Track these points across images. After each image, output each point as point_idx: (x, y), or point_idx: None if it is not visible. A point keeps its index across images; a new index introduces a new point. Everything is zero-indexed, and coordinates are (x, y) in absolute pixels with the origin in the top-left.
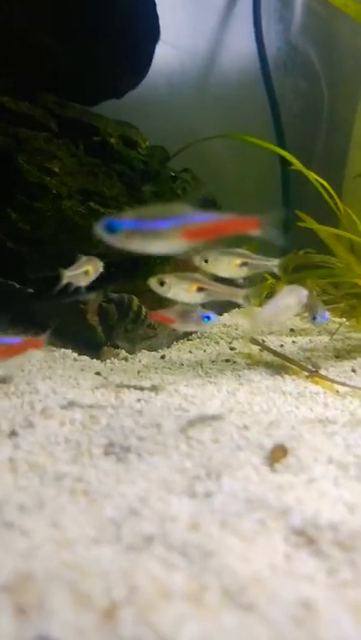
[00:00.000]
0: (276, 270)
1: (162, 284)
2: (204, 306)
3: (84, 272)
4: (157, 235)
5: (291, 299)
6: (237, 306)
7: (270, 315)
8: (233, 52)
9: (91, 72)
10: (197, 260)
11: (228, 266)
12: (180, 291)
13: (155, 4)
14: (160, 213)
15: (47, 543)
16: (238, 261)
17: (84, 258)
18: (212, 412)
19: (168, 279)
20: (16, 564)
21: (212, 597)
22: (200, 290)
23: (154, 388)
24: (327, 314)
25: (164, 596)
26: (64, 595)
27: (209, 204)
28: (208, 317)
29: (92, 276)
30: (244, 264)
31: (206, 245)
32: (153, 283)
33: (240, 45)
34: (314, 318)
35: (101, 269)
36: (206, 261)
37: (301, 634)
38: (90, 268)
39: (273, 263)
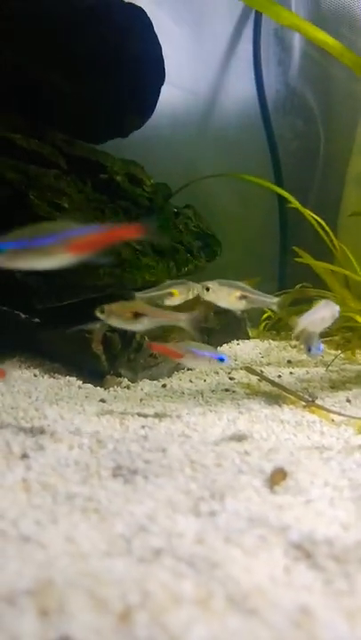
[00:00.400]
0: (274, 308)
1: (102, 311)
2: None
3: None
4: (43, 251)
5: (326, 311)
6: (237, 337)
7: (307, 324)
8: (233, 94)
9: (98, 111)
10: (199, 289)
11: (228, 297)
12: (117, 318)
13: (160, 47)
14: (43, 230)
15: (63, 555)
16: (238, 293)
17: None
18: (214, 439)
19: (108, 308)
20: (36, 573)
21: (217, 603)
22: (139, 315)
23: (157, 416)
24: (322, 346)
25: (175, 601)
26: (82, 599)
27: (209, 238)
28: (222, 359)
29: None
30: (243, 297)
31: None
32: (98, 311)
33: (240, 87)
34: (309, 349)
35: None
36: (208, 290)
37: (300, 635)
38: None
39: (272, 301)
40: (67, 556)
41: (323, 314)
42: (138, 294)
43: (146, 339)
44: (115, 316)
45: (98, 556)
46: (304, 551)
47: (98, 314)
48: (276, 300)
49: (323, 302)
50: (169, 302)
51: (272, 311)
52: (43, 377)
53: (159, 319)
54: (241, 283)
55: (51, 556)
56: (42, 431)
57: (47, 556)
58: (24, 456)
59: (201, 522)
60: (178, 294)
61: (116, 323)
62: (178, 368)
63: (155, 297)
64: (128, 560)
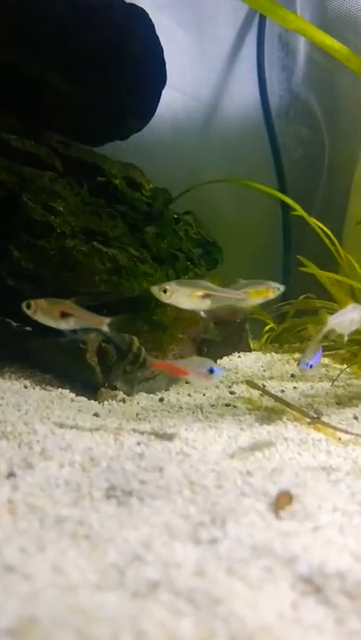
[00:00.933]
0: (244, 305)
1: (28, 306)
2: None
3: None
4: None
5: (355, 314)
6: (238, 349)
7: (336, 324)
8: (236, 99)
9: (97, 113)
10: (156, 291)
11: (189, 297)
12: (44, 315)
13: (162, 50)
14: None
15: (50, 587)
16: (200, 293)
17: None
18: (215, 458)
19: (34, 303)
20: (19, 608)
21: None
22: (65, 315)
23: (154, 432)
24: (313, 362)
25: None
26: None
27: (210, 246)
28: (212, 371)
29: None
30: (206, 296)
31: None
32: (24, 305)
33: (243, 92)
34: (301, 362)
35: None
36: (165, 292)
37: None
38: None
39: (239, 297)
40: (54, 588)
41: (352, 316)
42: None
43: (143, 351)
44: (41, 313)
45: (88, 589)
46: (313, 585)
47: (24, 308)
48: (243, 294)
49: (351, 305)
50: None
51: (271, 321)
52: (33, 389)
53: (84, 321)
54: (204, 281)
55: (36, 588)
56: (31, 447)
57: (32, 588)
58: (10, 475)
59: (201, 550)
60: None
61: (42, 319)
62: (176, 381)
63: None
64: (121, 594)
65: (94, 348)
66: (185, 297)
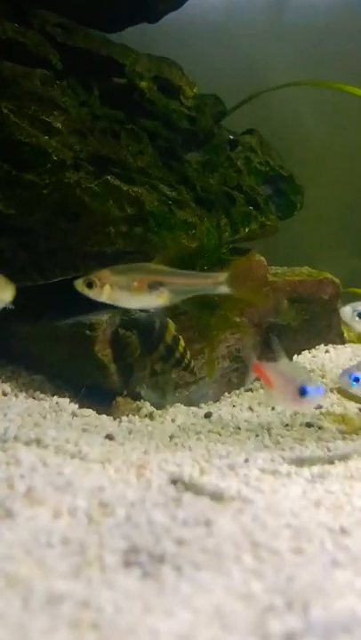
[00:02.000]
0: (221, 290)
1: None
2: None
3: None
4: None
5: None
6: (326, 341)
7: None
8: None
9: None
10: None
11: (132, 291)
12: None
13: None
14: None
15: None
16: (148, 281)
17: None
18: (290, 506)
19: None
20: None
21: None
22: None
23: (197, 464)
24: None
25: None
26: None
27: (283, 182)
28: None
29: None
30: (158, 285)
31: None
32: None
33: None
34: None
35: None
36: (90, 285)
37: None
38: None
39: (214, 280)
40: None
41: None
42: None
43: (182, 342)
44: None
45: None
46: None
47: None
48: (223, 276)
49: None
50: None
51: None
52: (16, 396)
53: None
54: (152, 264)
55: None
56: (11, 486)
57: None
58: None
59: None
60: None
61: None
62: (230, 387)
63: None
64: None
65: (107, 337)
66: (124, 290)
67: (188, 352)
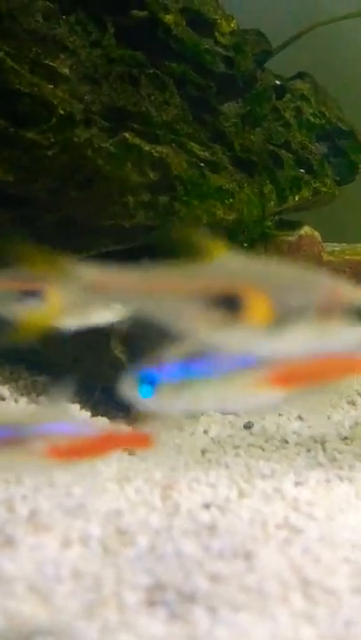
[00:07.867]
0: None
1: None
2: None
3: None
4: None
5: None
6: None
7: None
8: None
9: None
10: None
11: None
12: None
13: None
14: None
15: None
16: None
17: None
18: (349, 536)
19: None
20: None
21: None
22: None
23: (235, 485)
24: None
25: None
26: None
27: (343, 138)
28: None
29: None
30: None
31: None
32: None
33: None
34: None
35: None
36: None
37: None
38: None
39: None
40: None
41: None
42: None
43: None
44: None
45: None
46: None
47: None
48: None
49: None
50: None
51: None
52: (16, 401)
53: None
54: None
55: None
56: (11, 509)
57: None
58: None
59: None
60: None
61: None
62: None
63: None
64: None
65: (123, 331)
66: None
67: None
